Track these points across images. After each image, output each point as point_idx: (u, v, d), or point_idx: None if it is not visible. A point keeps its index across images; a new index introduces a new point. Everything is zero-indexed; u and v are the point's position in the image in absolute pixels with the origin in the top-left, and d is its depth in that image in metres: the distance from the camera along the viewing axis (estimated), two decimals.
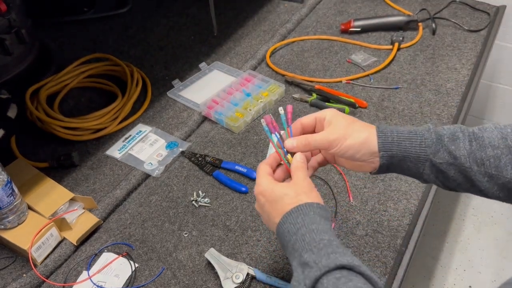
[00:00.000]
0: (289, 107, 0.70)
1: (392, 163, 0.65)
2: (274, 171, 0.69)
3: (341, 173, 0.99)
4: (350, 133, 0.64)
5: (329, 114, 0.67)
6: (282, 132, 0.70)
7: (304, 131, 0.69)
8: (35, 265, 0.85)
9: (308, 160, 0.71)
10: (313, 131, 0.69)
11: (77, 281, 0.83)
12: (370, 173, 0.68)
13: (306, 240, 0.57)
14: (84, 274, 0.84)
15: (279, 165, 0.70)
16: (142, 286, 0.83)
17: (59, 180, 0.97)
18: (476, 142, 0.63)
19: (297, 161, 0.66)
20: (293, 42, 1.37)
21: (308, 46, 1.35)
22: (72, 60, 1.26)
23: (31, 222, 0.87)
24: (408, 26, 1.36)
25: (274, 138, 0.69)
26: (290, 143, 0.67)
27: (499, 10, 1.43)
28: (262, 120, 0.70)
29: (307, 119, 0.69)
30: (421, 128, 0.65)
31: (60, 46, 1.40)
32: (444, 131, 0.64)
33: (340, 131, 0.65)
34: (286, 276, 0.81)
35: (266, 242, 0.87)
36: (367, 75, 1.23)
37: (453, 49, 1.30)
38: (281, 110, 0.69)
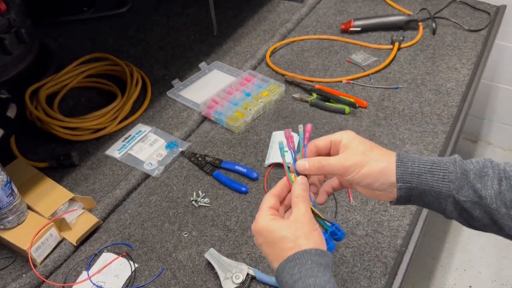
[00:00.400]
0: (309, 127, 0.64)
1: (412, 195, 0.60)
2: (282, 201, 0.63)
3: None
4: (368, 161, 0.59)
5: (346, 137, 0.62)
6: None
7: (318, 154, 0.64)
8: (35, 265, 0.85)
9: (320, 183, 0.67)
10: (328, 154, 0.64)
11: (77, 281, 0.83)
12: (390, 203, 0.63)
13: None
14: (83, 274, 0.84)
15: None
16: (142, 286, 0.82)
17: (58, 180, 0.97)
18: (507, 182, 0.56)
19: (299, 188, 0.61)
20: (293, 41, 1.37)
21: (308, 45, 1.35)
22: (71, 59, 1.26)
23: (31, 222, 0.87)
24: (408, 25, 1.36)
25: (288, 157, 0.64)
26: (302, 164, 0.62)
27: (499, 10, 1.43)
28: (300, 126, 0.64)
29: (322, 141, 0.63)
30: (446, 159, 0.60)
31: (59, 46, 1.40)
32: (472, 166, 0.58)
33: (357, 157, 0.60)
34: None
35: None
36: (367, 75, 1.23)
37: (453, 48, 1.29)
38: (300, 128, 0.64)
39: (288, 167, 0.63)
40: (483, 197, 0.56)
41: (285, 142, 0.64)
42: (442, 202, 0.59)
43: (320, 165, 0.61)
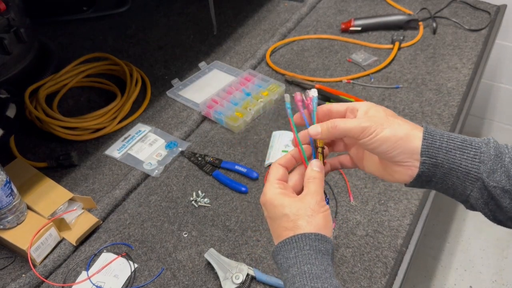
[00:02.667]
0: (313, 92, 0.59)
1: (435, 174, 0.53)
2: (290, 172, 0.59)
3: (341, 173, 0.98)
4: (390, 124, 0.52)
5: (365, 104, 0.56)
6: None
7: (332, 117, 0.58)
8: (34, 265, 0.84)
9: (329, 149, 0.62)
10: None
11: (77, 281, 0.83)
12: (405, 185, 0.56)
13: (295, 285, 0.50)
14: (83, 275, 0.84)
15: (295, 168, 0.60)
16: (142, 286, 0.82)
17: (58, 180, 0.97)
18: None
19: (313, 170, 0.56)
20: (293, 41, 1.36)
21: (308, 45, 1.35)
22: (71, 59, 1.26)
23: (30, 222, 0.87)
24: (409, 25, 1.36)
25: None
26: (314, 128, 0.56)
27: (500, 9, 1.43)
28: (286, 96, 0.60)
29: (337, 106, 0.58)
30: (479, 139, 0.53)
31: (59, 46, 1.39)
32: (508, 149, 0.52)
33: (378, 119, 0.53)
34: None
35: (266, 242, 0.87)
36: (368, 75, 1.23)
37: (453, 48, 1.29)
38: (287, 97, 0.60)
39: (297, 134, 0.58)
40: None
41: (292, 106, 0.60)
42: (467, 187, 0.52)
43: (333, 125, 0.54)
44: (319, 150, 0.58)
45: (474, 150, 0.51)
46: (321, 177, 0.56)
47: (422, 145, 0.52)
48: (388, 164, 0.55)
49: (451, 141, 0.52)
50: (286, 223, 0.53)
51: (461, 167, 0.51)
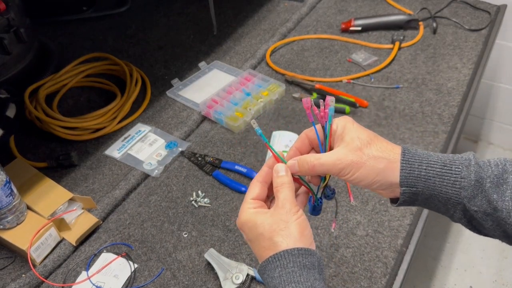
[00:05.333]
0: (331, 100, 0.55)
1: (417, 199, 0.53)
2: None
3: None
4: (365, 161, 0.51)
5: (341, 125, 0.54)
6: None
7: (313, 145, 0.57)
8: (34, 266, 0.84)
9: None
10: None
11: (76, 281, 0.83)
12: (391, 204, 0.56)
13: None
14: (83, 275, 0.84)
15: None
16: (142, 286, 0.82)
17: (58, 180, 0.97)
18: None
19: (278, 176, 0.54)
20: (293, 41, 1.36)
21: (308, 45, 1.35)
22: (71, 59, 1.26)
23: (30, 222, 0.87)
24: (409, 25, 1.35)
25: (312, 132, 0.56)
26: (292, 166, 0.55)
27: (500, 9, 1.43)
28: (253, 121, 0.56)
29: (314, 132, 0.56)
30: (459, 160, 0.51)
31: (59, 46, 1.39)
32: (490, 171, 0.50)
33: (353, 156, 0.51)
34: None
35: None
36: (368, 75, 1.23)
37: (454, 48, 1.29)
38: (253, 123, 0.55)
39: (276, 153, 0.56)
40: (498, 210, 0.49)
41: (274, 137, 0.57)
42: (450, 209, 0.52)
43: (310, 166, 0.54)
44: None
45: (454, 176, 0.50)
46: (289, 180, 0.54)
47: (400, 176, 0.51)
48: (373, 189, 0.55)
49: (430, 167, 0.51)
50: (263, 242, 0.52)
51: (441, 194, 0.51)
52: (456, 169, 0.50)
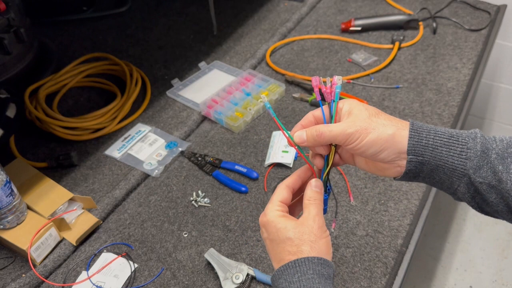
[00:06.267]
0: (337, 79, 0.55)
1: (422, 170, 0.53)
2: (297, 191, 0.59)
3: (341, 173, 0.98)
4: (374, 127, 0.52)
5: (348, 103, 0.55)
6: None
7: (319, 123, 0.57)
8: (34, 265, 0.84)
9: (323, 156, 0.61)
10: None
11: (77, 281, 0.83)
12: (395, 178, 0.56)
13: None
14: (83, 275, 0.84)
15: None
16: (142, 286, 0.82)
17: (58, 180, 0.97)
18: None
19: (311, 191, 0.56)
20: (293, 41, 1.36)
21: (308, 45, 1.35)
22: (71, 59, 1.26)
23: (30, 222, 0.87)
24: (409, 25, 1.35)
25: (318, 113, 0.56)
26: (299, 136, 0.55)
27: (500, 9, 1.43)
28: (263, 96, 0.57)
29: (320, 112, 0.57)
30: (466, 133, 0.52)
31: (59, 46, 1.39)
32: (495, 144, 0.51)
33: (362, 123, 0.52)
34: None
35: None
36: (368, 75, 1.23)
37: (454, 48, 1.29)
38: (263, 98, 0.57)
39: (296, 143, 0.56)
40: (503, 181, 0.50)
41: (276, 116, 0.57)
42: (454, 182, 0.52)
43: (318, 133, 0.54)
44: (332, 149, 0.57)
45: (460, 146, 0.51)
46: (320, 198, 0.56)
47: (409, 143, 0.52)
48: (377, 162, 0.55)
49: (437, 137, 0.52)
50: (290, 247, 0.53)
51: (447, 164, 0.51)
52: (463, 140, 0.51)
